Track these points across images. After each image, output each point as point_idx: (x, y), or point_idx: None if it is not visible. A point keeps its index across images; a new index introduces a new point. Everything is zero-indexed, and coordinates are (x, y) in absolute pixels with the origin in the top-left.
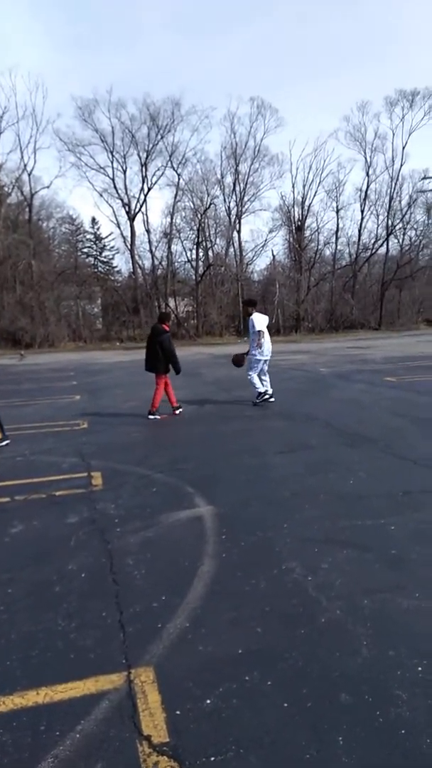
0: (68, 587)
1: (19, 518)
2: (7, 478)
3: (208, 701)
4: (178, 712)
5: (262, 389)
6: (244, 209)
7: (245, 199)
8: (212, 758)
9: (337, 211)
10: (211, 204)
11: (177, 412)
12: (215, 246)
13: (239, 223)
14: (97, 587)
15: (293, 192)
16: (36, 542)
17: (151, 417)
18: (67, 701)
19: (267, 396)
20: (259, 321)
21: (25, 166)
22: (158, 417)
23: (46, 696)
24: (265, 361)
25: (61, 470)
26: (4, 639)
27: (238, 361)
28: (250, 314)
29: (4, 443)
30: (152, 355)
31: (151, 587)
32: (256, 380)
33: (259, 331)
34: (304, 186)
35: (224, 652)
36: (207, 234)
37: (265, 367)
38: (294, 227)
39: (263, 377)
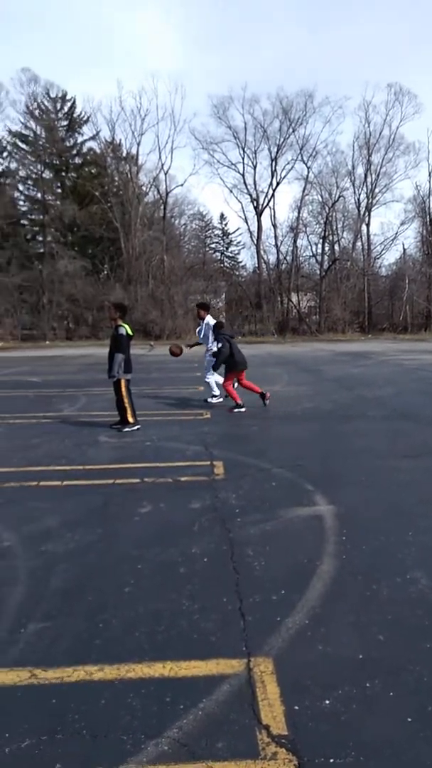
0: (192, 570)
1: (148, 499)
2: (137, 461)
3: (327, 702)
4: (296, 707)
5: (217, 392)
6: (374, 201)
7: (376, 190)
8: (331, 760)
9: None
10: (340, 197)
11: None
12: (342, 240)
13: (368, 215)
14: (219, 573)
15: (429, 182)
16: (162, 523)
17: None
18: (190, 678)
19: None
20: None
21: (162, 165)
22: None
23: (171, 670)
24: None
25: (185, 457)
26: (134, 612)
27: (175, 352)
28: (203, 317)
29: (136, 428)
30: None
31: (270, 580)
32: (212, 382)
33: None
34: None
35: (344, 654)
36: (334, 227)
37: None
38: (428, 219)
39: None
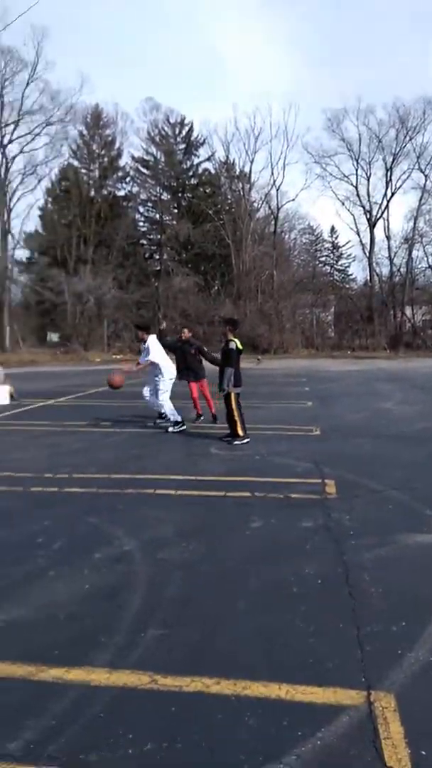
0: (305, 590)
1: (258, 514)
2: (247, 474)
3: None
4: (423, 753)
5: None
6: None
7: None
8: None
9: None
10: None
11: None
12: None
13: None
14: (333, 597)
15: None
16: (273, 540)
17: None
18: (307, 704)
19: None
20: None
21: (274, 182)
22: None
23: (288, 693)
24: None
25: (295, 473)
26: (245, 628)
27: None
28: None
29: (245, 441)
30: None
31: (389, 609)
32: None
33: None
34: None
35: None
36: None
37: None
38: None
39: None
